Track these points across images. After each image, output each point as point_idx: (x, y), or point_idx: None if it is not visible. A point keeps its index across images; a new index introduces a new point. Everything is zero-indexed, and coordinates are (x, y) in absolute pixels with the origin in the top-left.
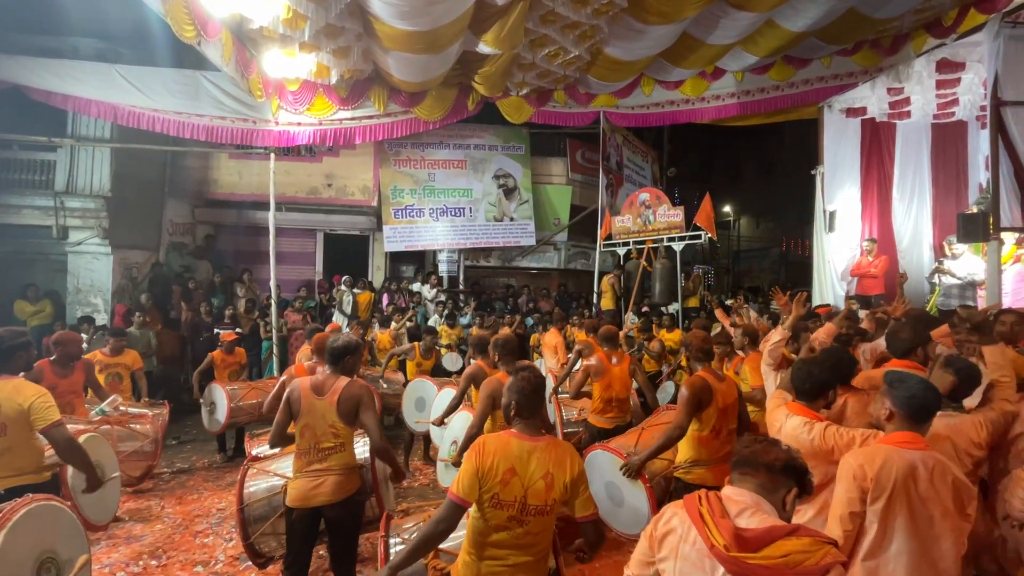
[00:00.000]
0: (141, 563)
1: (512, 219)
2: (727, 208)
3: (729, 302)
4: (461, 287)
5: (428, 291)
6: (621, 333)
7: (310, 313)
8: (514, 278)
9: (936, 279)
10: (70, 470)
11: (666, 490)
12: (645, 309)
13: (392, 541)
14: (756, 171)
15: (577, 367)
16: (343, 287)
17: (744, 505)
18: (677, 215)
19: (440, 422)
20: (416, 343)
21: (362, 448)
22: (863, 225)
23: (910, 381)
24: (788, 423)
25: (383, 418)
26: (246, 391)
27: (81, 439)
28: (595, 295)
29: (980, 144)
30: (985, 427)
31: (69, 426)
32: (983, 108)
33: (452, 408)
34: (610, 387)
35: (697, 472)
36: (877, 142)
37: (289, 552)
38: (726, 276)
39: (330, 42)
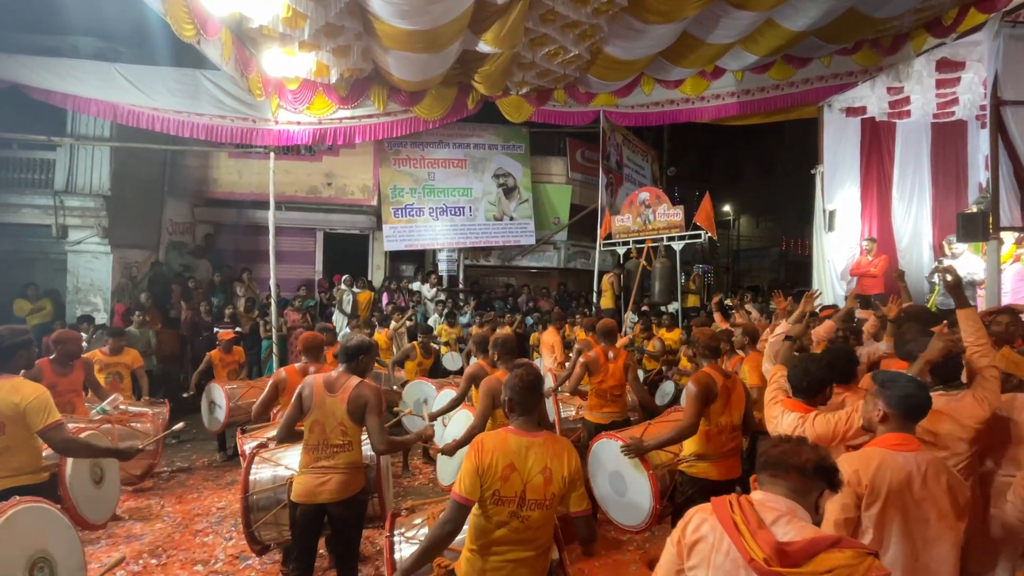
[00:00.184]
0: (141, 562)
1: (512, 218)
2: (727, 207)
3: (729, 301)
4: (461, 286)
5: (428, 290)
6: (624, 339)
7: (310, 312)
8: (514, 277)
9: (936, 279)
10: (68, 470)
11: (669, 483)
12: (644, 308)
13: (396, 540)
14: (756, 170)
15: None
16: (343, 286)
17: (779, 512)
18: (677, 214)
19: (433, 418)
20: (415, 342)
21: (367, 448)
22: (863, 224)
23: (902, 381)
24: (784, 420)
25: (387, 417)
26: (245, 390)
27: (81, 437)
28: (595, 294)
29: (980, 143)
30: (985, 401)
31: (70, 425)
32: (983, 107)
33: (451, 406)
34: (604, 382)
35: (701, 466)
36: (877, 141)
37: (294, 547)
38: (726, 275)
39: (330, 41)
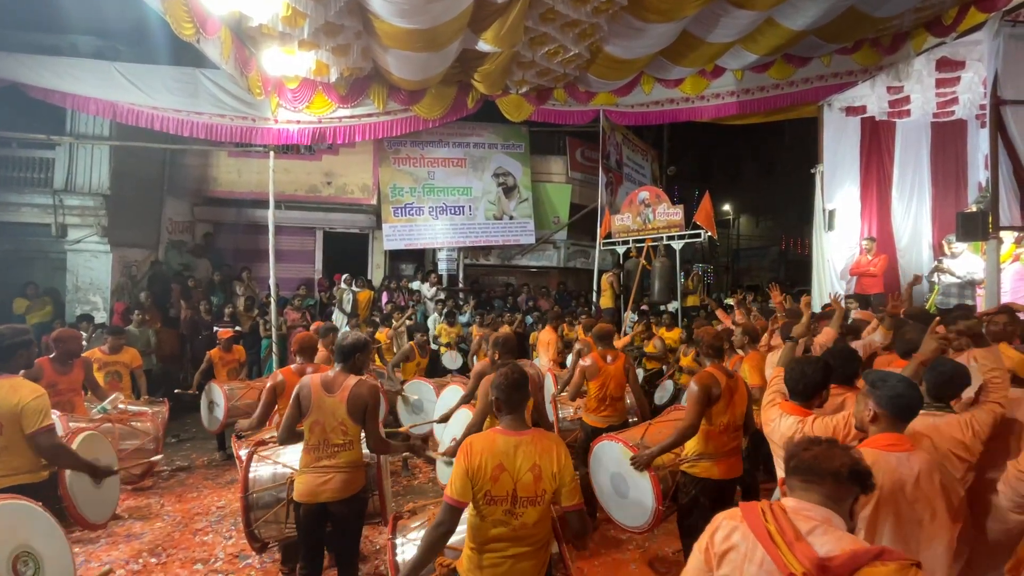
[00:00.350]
0: (141, 561)
1: (512, 217)
2: (727, 207)
3: (729, 300)
4: (460, 285)
5: (428, 289)
6: (623, 339)
7: (309, 311)
8: (513, 276)
9: (935, 278)
10: (68, 469)
11: (671, 484)
12: (644, 308)
13: (399, 542)
14: (756, 170)
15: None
16: (343, 285)
17: (815, 521)
18: (677, 214)
19: (444, 419)
20: (412, 342)
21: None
22: (862, 224)
23: (892, 380)
24: (783, 423)
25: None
26: (244, 390)
27: (80, 437)
28: (594, 293)
29: (980, 143)
30: (970, 427)
31: (71, 424)
32: (983, 107)
33: (462, 402)
34: (604, 386)
35: (703, 465)
36: (877, 141)
37: (301, 546)
38: (725, 275)
39: (329, 40)
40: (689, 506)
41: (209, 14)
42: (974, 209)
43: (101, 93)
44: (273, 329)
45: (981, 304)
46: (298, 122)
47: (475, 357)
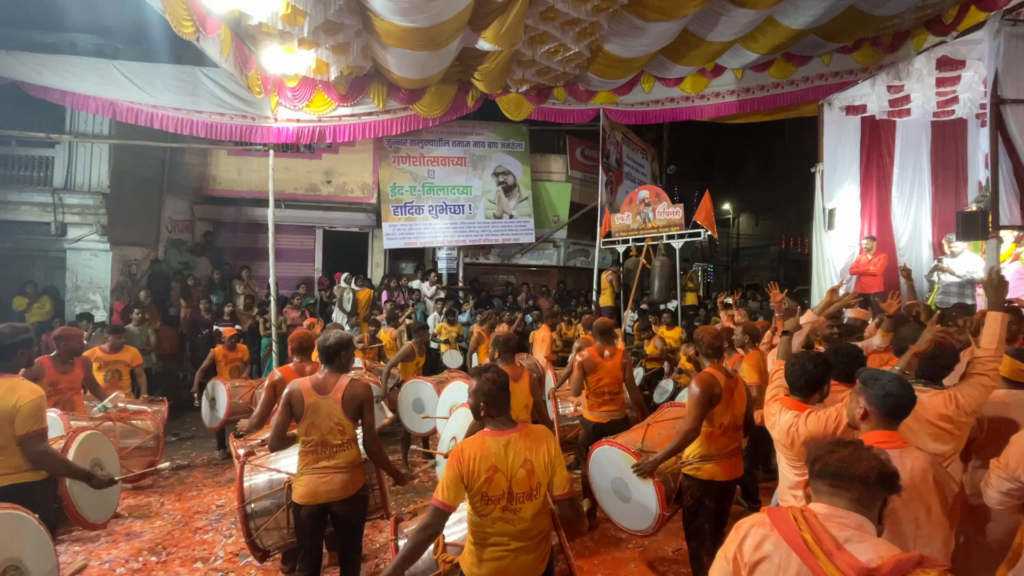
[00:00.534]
0: (141, 559)
1: (511, 216)
2: (727, 206)
3: (728, 300)
4: (460, 284)
5: (427, 288)
6: (619, 330)
7: (308, 310)
8: (513, 275)
9: (935, 277)
10: None
11: (674, 486)
12: (644, 307)
13: (401, 543)
14: (756, 169)
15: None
16: (343, 284)
17: (850, 529)
18: (676, 212)
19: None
20: (411, 341)
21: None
22: (862, 223)
23: (884, 379)
24: (782, 418)
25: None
26: (246, 389)
27: (82, 436)
28: (594, 292)
29: (980, 142)
30: (954, 400)
31: (72, 423)
32: (983, 106)
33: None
34: (601, 381)
35: (706, 468)
36: (877, 140)
37: (301, 547)
38: (725, 274)
39: (329, 38)
40: (694, 509)
41: (209, 12)
42: (974, 208)
43: (101, 91)
44: (273, 328)
45: (981, 303)
46: (298, 120)
47: (474, 355)
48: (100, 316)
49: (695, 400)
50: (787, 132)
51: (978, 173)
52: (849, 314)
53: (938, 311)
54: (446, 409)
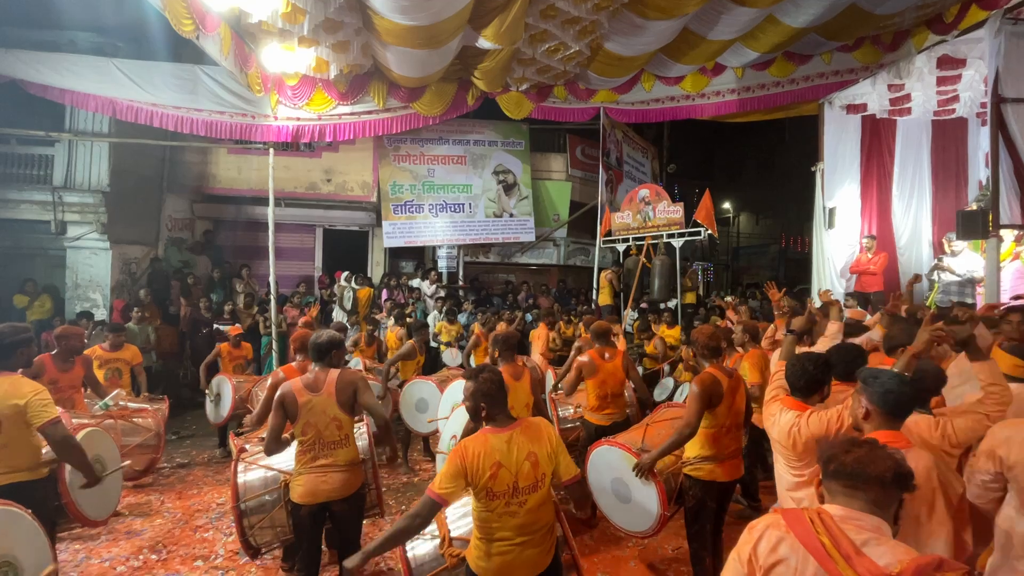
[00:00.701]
0: (141, 557)
1: (512, 215)
2: (727, 204)
3: (729, 298)
4: (460, 283)
5: (427, 287)
6: (619, 327)
7: (308, 308)
8: (513, 274)
9: (935, 276)
10: (68, 466)
11: (674, 486)
12: (643, 306)
13: (408, 545)
14: (756, 168)
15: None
16: (343, 282)
17: (868, 532)
18: (677, 211)
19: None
20: (412, 340)
21: (362, 443)
22: (863, 222)
23: (884, 377)
24: (782, 418)
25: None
26: (249, 384)
27: (83, 433)
28: (594, 291)
29: (980, 141)
30: (940, 428)
31: (73, 420)
32: (984, 105)
33: None
34: (604, 384)
35: (707, 468)
36: (877, 139)
37: (299, 546)
38: (725, 273)
39: (329, 36)
40: (695, 510)
41: (208, 10)
42: (974, 207)
43: (100, 89)
44: (273, 326)
45: (981, 302)
46: (298, 119)
47: (471, 354)
48: (100, 314)
49: (695, 399)
50: (787, 131)
51: (978, 172)
52: (847, 314)
53: (932, 311)
54: (448, 408)
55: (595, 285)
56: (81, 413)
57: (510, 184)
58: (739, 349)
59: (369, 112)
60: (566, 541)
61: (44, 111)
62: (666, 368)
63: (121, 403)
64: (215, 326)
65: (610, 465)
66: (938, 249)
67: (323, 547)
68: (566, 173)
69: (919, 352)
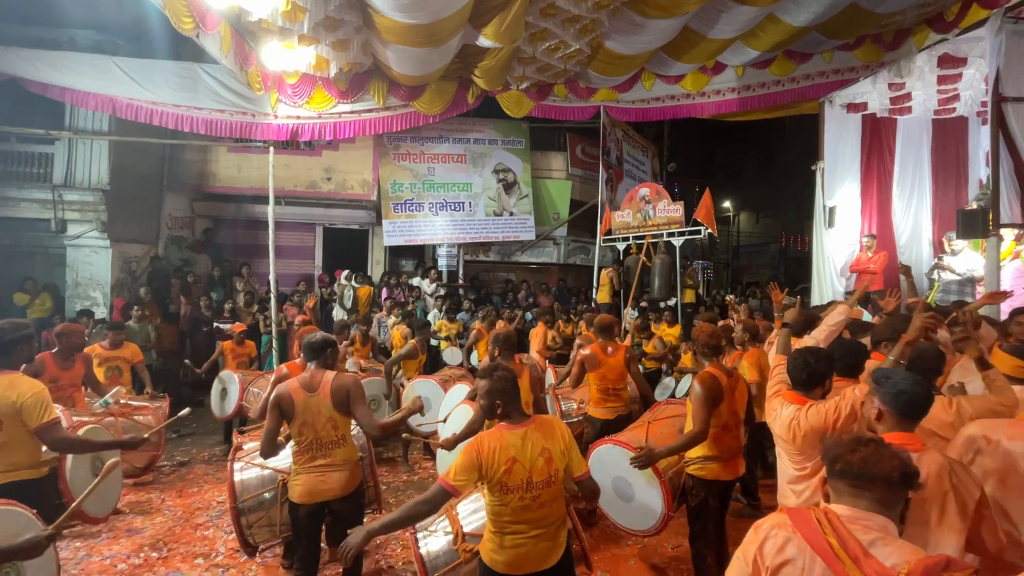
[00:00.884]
0: (142, 555)
1: (512, 214)
2: (727, 203)
3: (729, 297)
4: (460, 281)
5: (427, 285)
6: (618, 328)
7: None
8: (513, 273)
9: (935, 275)
10: (68, 464)
11: (678, 485)
12: (643, 304)
13: (420, 536)
14: (756, 166)
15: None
16: (343, 281)
17: (875, 532)
18: (677, 210)
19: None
20: (414, 339)
21: (359, 442)
22: (863, 221)
23: (896, 376)
24: (783, 413)
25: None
26: (255, 378)
27: (84, 430)
28: (594, 290)
29: (981, 140)
30: (955, 405)
31: (74, 418)
32: (984, 104)
33: (467, 399)
34: (605, 377)
35: (710, 467)
36: (878, 138)
37: (298, 545)
38: (725, 272)
39: (329, 35)
40: (698, 509)
41: (208, 9)
42: (975, 206)
43: (100, 88)
44: (273, 325)
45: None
46: (298, 117)
47: (472, 351)
48: (100, 313)
49: (700, 401)
50: (788, 130)
51: (979, 171)
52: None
53: (923, 300)
54: (445, 413)
55: (595, 284)
56: (81, 411)
57: (510, 183)
58: (738, 347)
59: (369, 110)
60: (576, 534)
61: (44, 109)
62: (664, 367)
63: (121, 401)
64: (215, 324)
65: (612, 463)
66: (938, 248)
67: (323, 545)
68: (566, 172)
69: (912, 340)
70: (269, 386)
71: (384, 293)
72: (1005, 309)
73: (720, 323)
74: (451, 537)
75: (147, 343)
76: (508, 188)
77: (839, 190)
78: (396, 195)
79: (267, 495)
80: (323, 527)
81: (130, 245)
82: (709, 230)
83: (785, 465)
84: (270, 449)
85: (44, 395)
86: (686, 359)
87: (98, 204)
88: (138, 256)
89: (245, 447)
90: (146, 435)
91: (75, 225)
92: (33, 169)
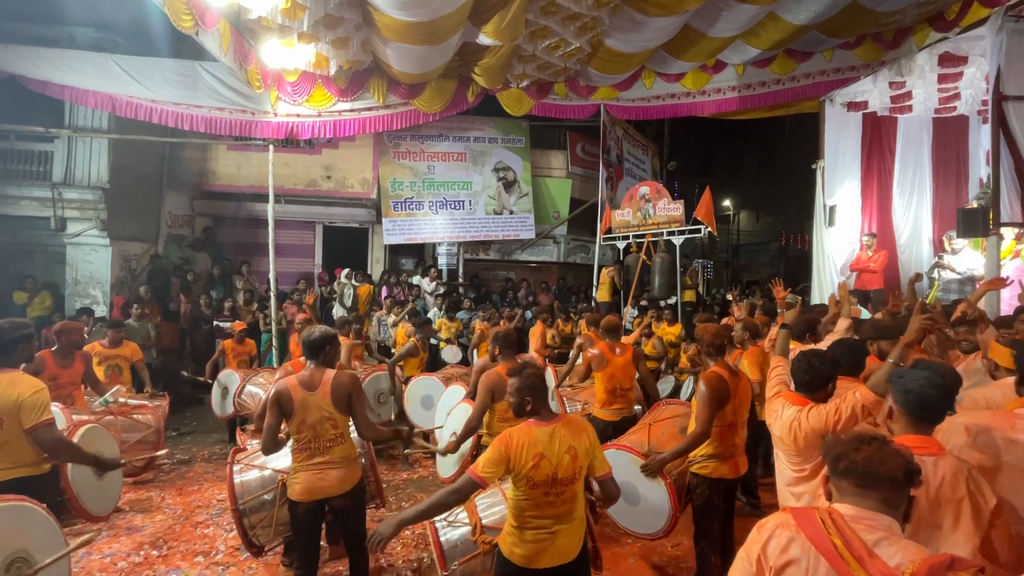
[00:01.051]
0: (142, 553)
1: (512, 212)
2: (727, 202)
3: (729, 296)
4: (460, 280)
5: (427, 284)
6: (630, 337)
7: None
8: (513, 271)
9: (935, 274)
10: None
11: (683, 484)
12: (643, 303)
13: (440, 526)
14: (756, 165)
15: (579, 361)
16: (343, 279)
17: (880, 532)
18: (677, 209)
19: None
20: (415, 338)
21: (357, 440)
22: (863, 220)
23: (908, 375)
24: (785, 413)
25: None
26: (256, 376)
27: (82, 429)
28: (594, 288)
29: (981, 139)
30: (985, 399)
31: (73, 417)
32: (985, 103)
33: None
34: (613, 378)
35: (714, 466)
36: (878, 136)
37: (298, 543)
38: (725, 270)
39: (329, 32)
40: (703, 508)
41: (208, 6)
42: (975, 205)
43: (100, 85)
44: (273, 323)
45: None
46: (297, 115)
47: (475, 351)
48: (100, 311)
49: (705, 400)
50: (788, 128)
51: (979, 170)
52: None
53: (921, 300)
54: (443, 416)
55: (595, 283)
56: (81, 409)
57: (510, 181)
58: (738, 346)
59: (369, 108)
60: (590, 533)
61: (43, 107)
62: (662, 367)
63: (121, 400)
64: (215, 323)
65: (616, 468)
66: (938, 247)
67: (322, 543)
68: (566, 170)
69: (911, 341)
70: (272, 386)
71: (384, 292)
72: (1006, 309)
73: (721, 321)
74: (470, 528)
75: (147, 341)
76: (508, 186)
77: (839, 189)
78: (396, 193)
79: (268, 496)
80: (323, 525)
81: (130, 243)
82: (709, 229)
83: (783, 467)
84: (271, 446)
85: (44, 395)
86: (685, 359)
87: (98, 202)
88: (138, 254)
89: (249, 446)
90: (124, 460)
91: (75, 223)
92: (33, 167)
